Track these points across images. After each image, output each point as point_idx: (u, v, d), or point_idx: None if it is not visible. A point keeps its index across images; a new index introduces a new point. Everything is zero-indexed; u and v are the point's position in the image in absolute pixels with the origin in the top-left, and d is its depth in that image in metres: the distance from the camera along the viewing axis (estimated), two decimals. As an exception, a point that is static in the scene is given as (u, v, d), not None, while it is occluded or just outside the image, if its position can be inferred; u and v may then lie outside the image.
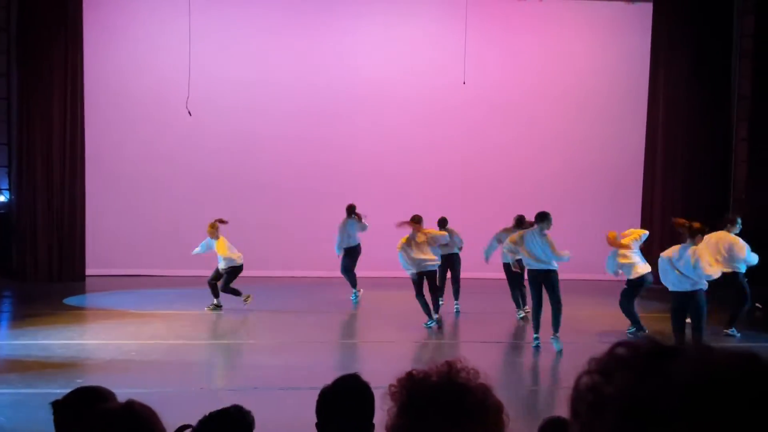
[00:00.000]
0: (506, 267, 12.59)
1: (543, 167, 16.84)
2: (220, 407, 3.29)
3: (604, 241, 11.06)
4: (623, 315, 11.05)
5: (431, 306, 11.66)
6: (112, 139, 16.15)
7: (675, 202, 16.22)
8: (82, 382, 7.02)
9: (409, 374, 1.66)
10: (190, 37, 15.46)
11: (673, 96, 16.42)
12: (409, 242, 11.56)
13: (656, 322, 11.33)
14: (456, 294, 12.87)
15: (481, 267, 13.84)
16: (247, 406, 3.34)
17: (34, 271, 15.43)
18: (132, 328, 11.43)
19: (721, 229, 11.24)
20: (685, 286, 9.38)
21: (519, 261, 11.19)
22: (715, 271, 9.61)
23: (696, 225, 9.47)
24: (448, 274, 12.83)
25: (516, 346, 11.34)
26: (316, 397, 3.22)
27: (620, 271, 11.08)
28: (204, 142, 16.28)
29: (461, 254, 12.97)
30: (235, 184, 16.30)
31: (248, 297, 12.64)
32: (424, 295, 11.61)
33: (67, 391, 3.02)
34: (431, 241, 11.68)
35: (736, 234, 11.24)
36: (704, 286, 9.42)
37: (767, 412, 0.82)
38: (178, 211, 16.11)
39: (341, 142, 16.50)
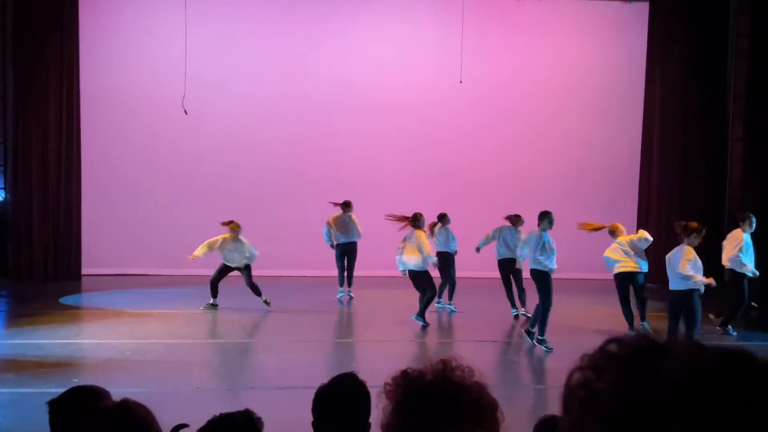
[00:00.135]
0: (500, 265, 12.67)
1: (538, 166, 16.84)
2: (218, 407, 3.25)
3: (600, 241, 11.09)
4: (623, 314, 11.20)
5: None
6: (108, 139, 16.12)
7: (671, 201, 16.26)
8: (77, 381, 7.03)
9: (404, 373, 1.66)
10: (186, 35, 15.45)
11: (669, 95, 16.45)
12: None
13: (656, 321, 11.35)
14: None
15: (477, 266, 13.87)
16: (243, 405, 3.30)
17: (30, 270, 15.41)
18: (128, 327, 11.42)
19: (739, 227, 11.30)
20: (680, 285, 9.43)
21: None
22: (693, 274, 9.27)
23: (693, 224, 9.49)
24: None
25: (511, 344, 11.35)
26: (312, 397, 3.22)
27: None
28: (200, 141, 16.26)
29: (459, 254, 13.06)
30: (231, 182, 16.28)
31: (268, 299, 12.72)
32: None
33: (63, 390, 3.02)
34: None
35: (751, 234, 11.17)
36: (695, 286, 9.33)
37: (756, 409, 0.82)
38: (173, 211, 16.10)
39: (337, 140, 16.47)
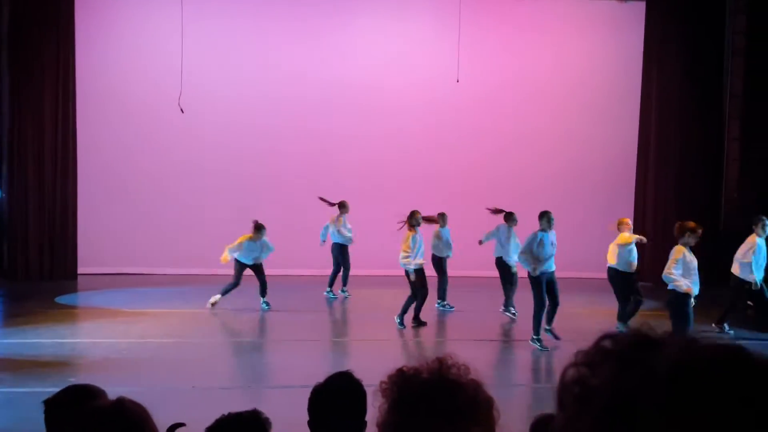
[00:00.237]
0: (498, 263, 12.73)
1: (535, 165, 16.83)
2: (214, 406, 3.25)
3: (597, 240, 11.11)
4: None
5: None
6: (104, 138, 16.10)
7: (668, 201, 16.26)
8: (74, 380, 7.02)
9: (400, 371, 1.66)
10: (183, 34, 15.41)
11: (665, 94, 16.45)
12: None
13: (655, 320, 11.36)
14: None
15: (477, 266, 13.89)
16: (239, 404, 3.31)
17: (26, 269, 15.38)
18: (124, 326, 11.41)
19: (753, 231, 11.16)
20: (672, 284, 9.44)
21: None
22: (676, 277, 9.11)
23: (688, 224, 9.44)
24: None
25: (507, 343, 11.35)
26: (308, 395, 3.22)
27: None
28: (196, 140, 16.24)
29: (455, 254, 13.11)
30: (228, 182, 16.25)
31: (269, 302, 12.87)
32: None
33: (59, 389, 3.01)
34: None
35: (765, 238, 10.99)
36: (678, 289, 9.14)
37: (749, 404, 0.82)
38: (170, 210, 16.08)
39: (336, 140, 16.45)
